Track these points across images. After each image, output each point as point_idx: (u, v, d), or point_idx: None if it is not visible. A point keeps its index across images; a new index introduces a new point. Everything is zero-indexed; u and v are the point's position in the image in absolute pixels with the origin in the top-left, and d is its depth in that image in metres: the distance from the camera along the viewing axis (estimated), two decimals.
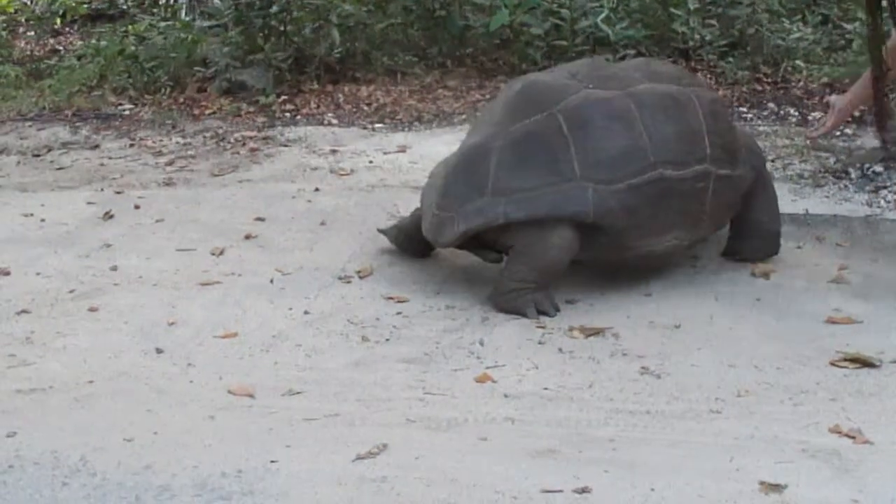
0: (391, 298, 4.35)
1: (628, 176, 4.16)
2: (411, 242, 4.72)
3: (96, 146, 7.15)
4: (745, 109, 7.11)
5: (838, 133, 6.45)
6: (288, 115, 7.76)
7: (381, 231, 4.86)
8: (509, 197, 4.14)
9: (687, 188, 4.27)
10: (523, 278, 4.18)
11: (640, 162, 4.19)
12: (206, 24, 9.12)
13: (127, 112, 8.03)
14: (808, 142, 6.07)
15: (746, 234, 4.65)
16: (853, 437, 3.19)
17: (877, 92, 5.39)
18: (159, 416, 3.43)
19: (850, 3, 8.41)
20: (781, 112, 7.08)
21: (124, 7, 11.32)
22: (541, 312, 4.15)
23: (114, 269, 4.77)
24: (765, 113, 7.07)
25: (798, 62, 7.78)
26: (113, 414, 3.46)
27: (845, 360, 3.69)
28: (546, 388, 3.57)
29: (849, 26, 7.57)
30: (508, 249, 4.28)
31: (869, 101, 5.68)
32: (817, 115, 5.78)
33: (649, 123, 4.23)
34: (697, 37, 8.13)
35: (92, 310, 4.33)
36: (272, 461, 3.11)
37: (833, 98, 5.41)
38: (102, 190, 6.03)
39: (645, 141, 4.21)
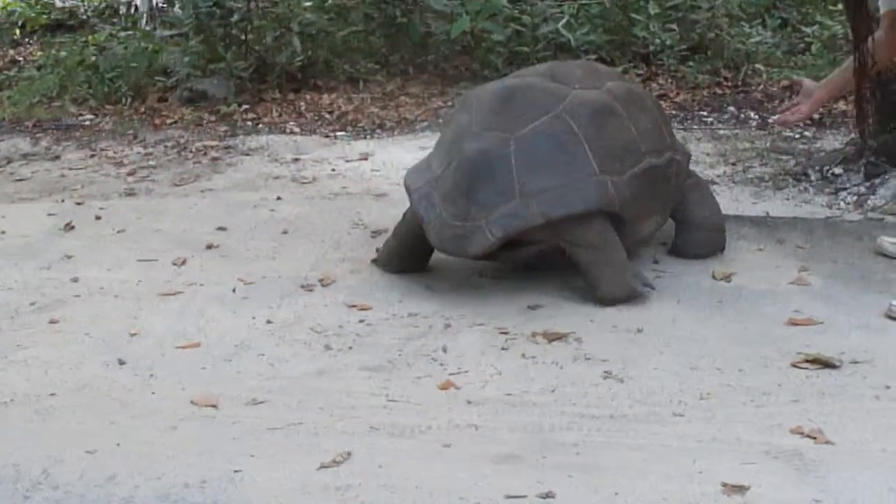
0: (354, 306, 4.35)
1: (630, 166, 4.37)
2: (407, 261, 4.67)
3: (57, 157, 7.11)
4: (705, 113, 7.17)
5: (797, 136, 6.51)
6: (249, 123, 7.76)
7: (374, 262, 4.78)
8: (539, 197, 4.20)
9: (662, 174, 4.54)
10: (613, 258, 4.28)
11: (635, 153, 4.41)
12: (167, 33, 9.11)
13: (88, 122, 8.00)
14: (775, 125, 6.06)
15: (691, 229, 4.78)
16: (815, 438, 3.21)
17: (858, 84, 5.29)
18: (122, 428, 3.41)
19: (808, 7, 8.50)
20: (742, 115, 7.14)
21: (84, 17, 11.29)
22: (646, 286, 4.32)
23: (75, 280, 4.74)
24: (725, 116, 7.13)
25: (758, 66, 7.86)
26: (75, 426, 3.43)
27: (806, 361, 3.71)
28: (509, 394, 3.57)
29: (808, 30, 7.66)
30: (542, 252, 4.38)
31: (847, 90, 5.60)
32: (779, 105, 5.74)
33: (632, 117, 4.46)
34: (658, 41, 8.19)
35: (53, 322, 4.30)
36: (235, 471, 3.10)
37: (808, 82, 5.31)
38: (63, 201, 5.99)
39: (634, 133, 4.43)
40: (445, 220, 4.30)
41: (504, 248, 4.30)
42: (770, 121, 6.42)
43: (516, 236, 4.26)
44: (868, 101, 5.41)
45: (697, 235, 4.77)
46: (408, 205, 4.54)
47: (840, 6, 5.46)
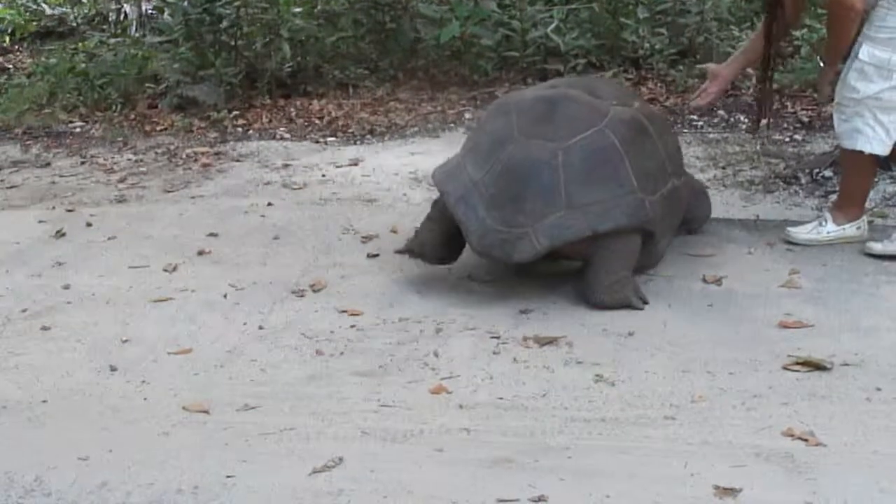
0: (345, 311, 4.35)
1: (660, 187, 4.46)
2: (441, 251, 4.66)
3: (47, 164, 7.10)
4: (695, 117, 7.17)
5: (787, 139, 6.53)
6: (240, 129, 7.75)
7: (399, 251, 4.78)
8: (586, 210, 4.25)
9: (680, 195, 4.66)
10: (622, 269, 4.31)
11: (664, 173, 4.53)
12: (157, 40, 9.09)
13: (78, 129, 7.99)
14: (688, 108, 6.06)
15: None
16: (806, 440, 3.23)
17: (767, 40, 5.05)
18: (114, 434, 3.41)
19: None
20: (731, 119, 7.14)
21: (74, 24, 11.26)
22: (641, 300, 4.33)
23: (66, 287, 4.74)
24: (715, 120, 7.13)
25: (748, 70, 7.86)
26: (67, 433, 3.44)
27: (797, 363, 3.72)
28: (501, 398, 3.58)
29: (797, 33, 7.64)
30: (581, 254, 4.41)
31: (751, 64, 5.52)
32: (764, 121, 5.74)
33: (660, 138, 4.58)
34: (647, 45, 8.19)
35: (44, 328, 4.31)
36: (228, 476, 3.11)
37: (713, 66, 5.30)
38: (54, 208, 5.99)
39: (663, 154, 4.57)
40: (490, 226, 4.29)
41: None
42: (688, 106, 6.44)
43: (560, 247, 4.29)
44: (772, 72, 5.31)
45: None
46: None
47: None
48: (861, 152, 4.67)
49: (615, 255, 4.31)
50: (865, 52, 4.58)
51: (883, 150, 4.66)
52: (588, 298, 4.31)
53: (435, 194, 5.79)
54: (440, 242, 4.62)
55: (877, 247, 4.71)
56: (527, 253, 4.24)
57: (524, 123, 4.44)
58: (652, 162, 4.45)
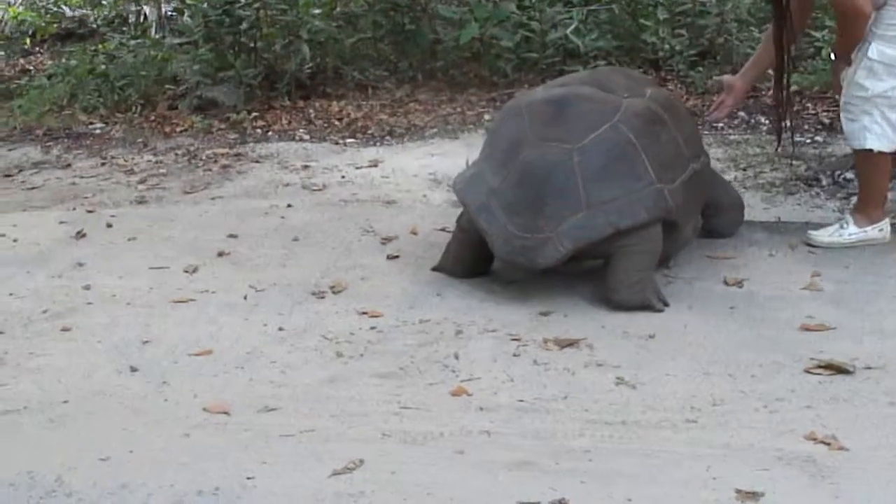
0: (365, 313, 4.35)
1: (679, 174, 4.45)
2: (472, 266, 4.66)
3: (68, 165, 7.13)
4: None
5: (809, 140, 6.50)
6: (259, 131, 7.77)
7: (435, 269, 4.75)
8: (606, 208, 4.25)
9: (700, 177, 4.66)
10: (644, 268, 4.31)
11: (682, 160, 4.52)
12: (176, 41, 9.13)
13: (98, 131, 8.02)
14: (706, 121, 6.07)
15: (720, 212, 5.00)
16: (828, 444, 3.20)
17: (779, 49, 5.05)
18: (135, 435, 3.41)
19: (818, 11, 8.48)
20: (752, 121, 7.13)
21: (94, 26, 11.32)
22: (661, 301, 4.32)
23: (87, 288, 4.75)
24: (735, 122, 7.12)
25: (768, 71, 7.83)
26: (88, 433, 3.44)
27: (819, 366, 3.70)
28: (521, 401, 3.57)
29: (817, 34, 7.62)
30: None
31: (764, 73, 5.56)
32: (786, 135, 5.73)
33: (675, 125, 4.56)
34: (667, 47, 8.18)
35: (65, 329, 4.31)
36: (248, 478, 3.11)
37: (728, 77, 5.30)
38: (74, 209, 6.01)
39: (679, 140, 4.54)
40: (512, 233, 4.30)
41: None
42: (704, 119, 6.43)
43: (584, 248, 4.29)
44: (786, 80, 5.31)
45: (730, 217, 5.01)
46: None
47: None
48: (871, 151, 4.66)
49: (636, 253, 4.30)
50: (875, 50, 4.58)
51: (890, 147, 4.67)
52: (609, 298, 4.30)
53: (454, 197, 5.82)
54: (471, 255, 4.64)
55: (814, 236, 4.87)
56: (550, 258, 4.24)
57: (537, 126, 4.44)
58: (668, 150, 4.44)
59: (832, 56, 5.16)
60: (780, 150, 5.79)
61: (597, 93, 4.52)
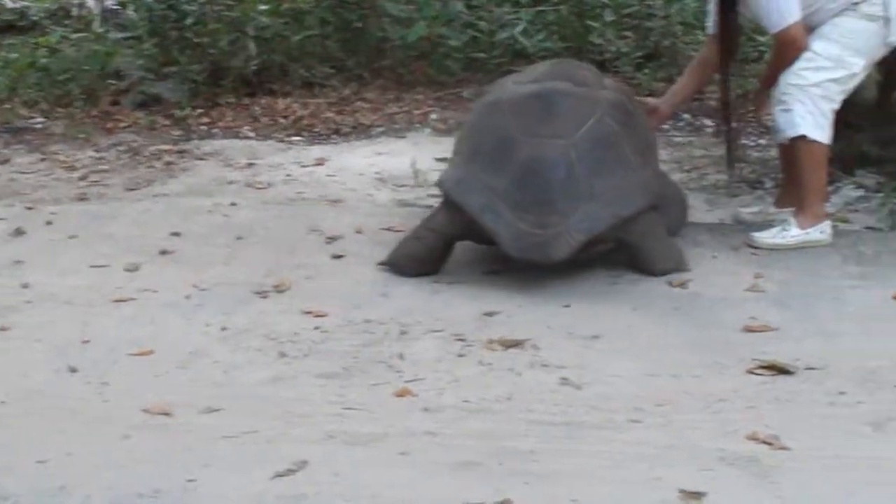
0: (309, 313, 4.32)
1: (653, 161, 4.83)
2: (426, 265, 4.67)
3: (6, 161, 7.02)
4: None
5: (752, 143, 6.55)
6: (204, 128, 7.71)
7: (383, 264, 4.74)
8: (607, 198, 4.40)
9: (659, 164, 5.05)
10: (664, 236, 4.69)
11: (651, 147, 4.85)
12: (120, 35, 9.03)
13: (38, 126, 7.90)
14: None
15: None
16: (770, 444, 3.22)
17: (723, 80, 5.38)
18: (73, 437, 3.36)
19: None
20: (696, 123, 7.18)
21: (35, 19, 11.15)
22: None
23: (25, 286, 4.68)
24: (680, 124, 7.16)
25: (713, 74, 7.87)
26: (25, 435, 3.38)
27: (762, 367, 3.72)
28: (466, 401, 3.56)
29: (762, 38, 7.67)
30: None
31: (687, 102, 5.88)
32: (737, 165, 5.82)
33: (639, 114, 4.83)
34: (613, 48, 8.21)
35: (3, 328, 4.25)
36: (189, 480, 3.06)
37: (652, 100, 5.36)
38: (13, 205, 5.92)
39: (646, 129, 4.85)
40: (523, 230, 4.35)
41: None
42: None
43: (594, 238, 4.41)
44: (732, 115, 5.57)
45: (675, 213, 5.07)
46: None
47: None
48: (805, 139, 4.70)
49: (650, 225, 4.58)
50: (819, 45, 4.67)
51: (823, 137, 4.74)
52: (652, 272, 4.56)
53: (400, 196, 5.81)
54: (430, 256, 4.65)
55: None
56: (563, 251, 4.33)
57: (524, 122, 4.51)
58: (643, 139, 4.69)
59: (759, 84, 5.27)
60: (731, 175, 5.84)
61: (573, 87, 4.62)
